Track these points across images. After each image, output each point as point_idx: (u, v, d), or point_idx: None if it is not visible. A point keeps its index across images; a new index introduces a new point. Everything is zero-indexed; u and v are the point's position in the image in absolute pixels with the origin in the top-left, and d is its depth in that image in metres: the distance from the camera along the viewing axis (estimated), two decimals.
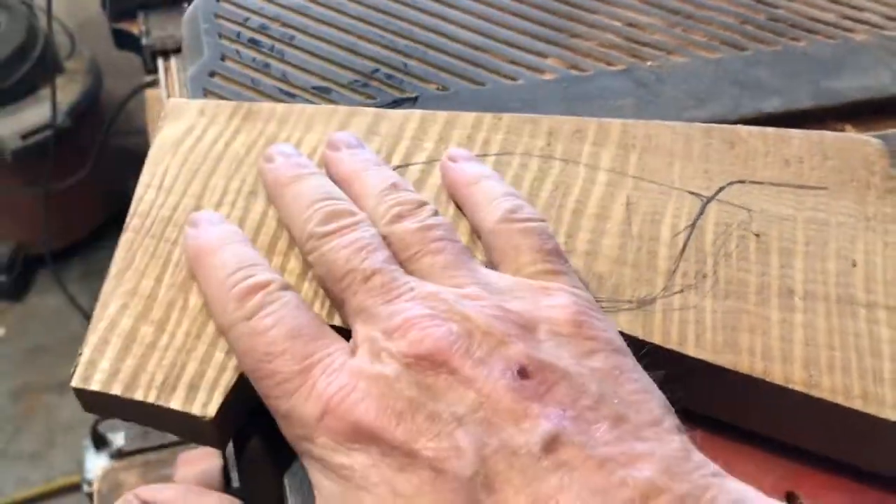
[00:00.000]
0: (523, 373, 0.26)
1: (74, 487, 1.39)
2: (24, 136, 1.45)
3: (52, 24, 1.28)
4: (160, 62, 0.91)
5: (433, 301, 0.28)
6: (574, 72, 0.47)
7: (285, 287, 0.30)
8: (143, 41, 0.91)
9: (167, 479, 0.68)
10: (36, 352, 1.62)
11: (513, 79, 0.46)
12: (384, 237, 0.31)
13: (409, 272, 0.30)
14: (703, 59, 0.48)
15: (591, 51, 0.48)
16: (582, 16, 0.50)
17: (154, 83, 1.01)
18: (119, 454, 0.91)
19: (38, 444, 1.53)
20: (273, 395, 0.28)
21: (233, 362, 0.31)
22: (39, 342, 1.63)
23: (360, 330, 0.29)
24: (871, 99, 0.45)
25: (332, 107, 0.40)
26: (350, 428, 0.26)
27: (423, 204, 0.32)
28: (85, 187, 1.56)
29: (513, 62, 0.47)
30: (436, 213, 0.32)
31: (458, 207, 0.35)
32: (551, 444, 0.25)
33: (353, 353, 0.28)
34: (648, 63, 0.47)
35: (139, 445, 0.88)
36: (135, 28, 0.95)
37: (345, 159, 0.35)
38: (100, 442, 0.98)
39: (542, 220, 0.32)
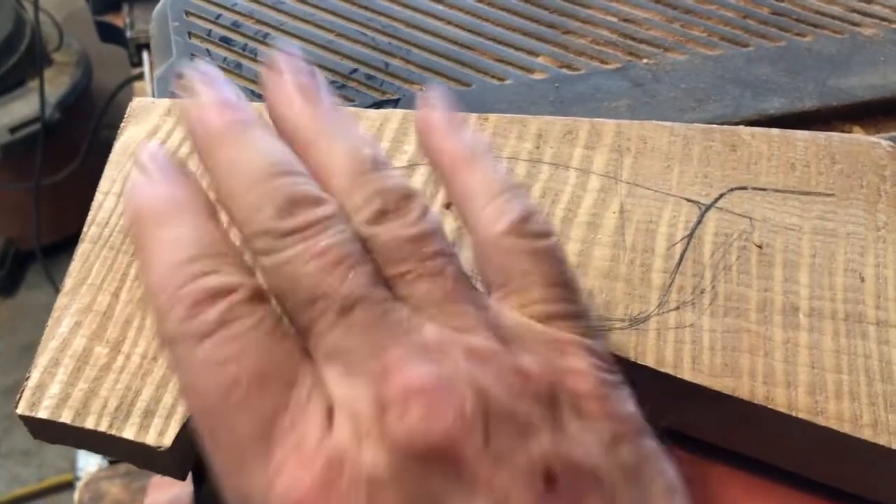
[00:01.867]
0: (550, 477, 0.20)
1: (67, 485, 1.37)
2: (13, 130, 1.42)
3: (40, 16, 1.25)
4: (145, 55, 0.88)
5: (437, 355, 0.21)
6: (566, 71, 0.44)
7: (258, 296, 0.22)
8: (128, 34, 0.89)
9: None
10: (28, 348, 1.59)
11: (501, 79, 0.44)
12: (362, 241, 0.23)
13: (396, 297, 0.23)
14: (703, 55, 0.45)
15: (585, 48, 0.46)
16: (575, 11, 0.48)
17: (142, 75, 0.98)
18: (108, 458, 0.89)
19: (30, 441, 1.51)
20: (218, 461, 0.21)
21: None
22: (31, 338, 1.60)
23: (337, 386, 0.22)
24: (880, 98, 0.43)
25: None
26: None
27: (411, 194, 0.24)
28: (76, 181, 1.54)
29: (501, 61, 0.45)
30: (427, 210, 0.24)
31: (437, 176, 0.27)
32: None
33: (329, 415, 0.21)
34: (645, 61, 0.45)
35: None
36: (119, 21, 0.92)
37: (299, 103, 0.26)
38: None
39: (555, 235, 0.25)
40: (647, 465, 0.22)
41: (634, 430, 0.23)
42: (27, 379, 0.29)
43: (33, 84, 1.41)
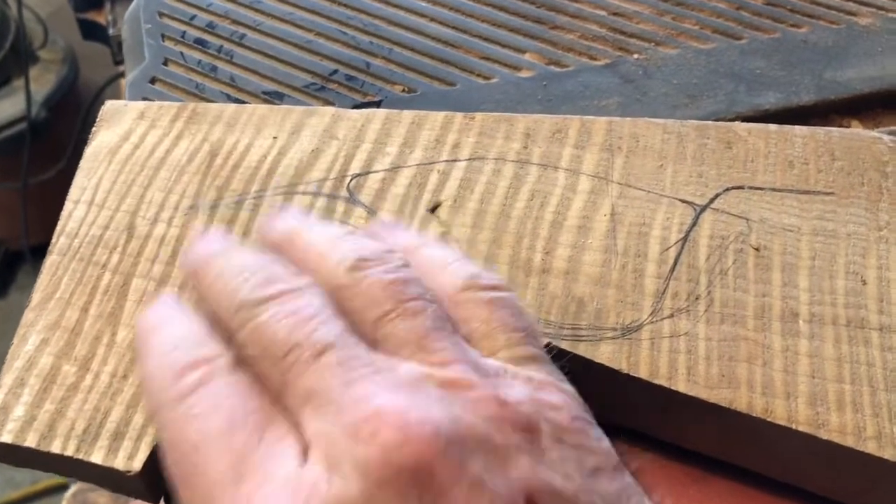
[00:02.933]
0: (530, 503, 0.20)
1: (61, 488, 1.36)
2: None
3: (23, 13, 1.23)
4: None
5: (411, 386, 0.21)
6: (554, 68, 0.43)
7: (237, 363, 0.23)
8: (110, 31, 0.87)
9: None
10: None
11: (486, 77, 0.42)
12: (341, 291, 0.24)
13: (374, 341, 0.23)
14: (695, 49, 0.44)
15: (573, 44, 0.44)
16: (563, 5, 0.46)
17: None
18: None
19: None
20: None
21: None
22: None
23: (311, 422, 0.22)
24: (878, 90, 0.42)
25: (286, 107, 0.36)
26: None
27: (390, 251, 0.25)
28: (64, 180, 1.51)
29: (487, 58, 0.43)
30: (407, 265, 0.25)
31: None
32: None
33: (304, 454, 0.21)
34: (635, 56, 0.43)
35: None
36: (101, 18, 0.91)
37: (280, 222, 0.27)
38: None
39: (510, 291, 0.26)
40: (626, 498, 0.22)
41: (613, 464, 0.23)
42: None
43: (18, 83, 1.39)
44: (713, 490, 0.29)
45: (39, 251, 1.54)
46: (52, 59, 1.51)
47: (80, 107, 1.47)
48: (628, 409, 0.29)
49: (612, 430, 0.29)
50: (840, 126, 0.40)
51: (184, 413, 0.22)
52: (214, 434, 0.22)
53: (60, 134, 1.46)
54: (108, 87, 1.20)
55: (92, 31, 0.95)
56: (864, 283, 0.30)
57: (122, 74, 1.04)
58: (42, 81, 1.46)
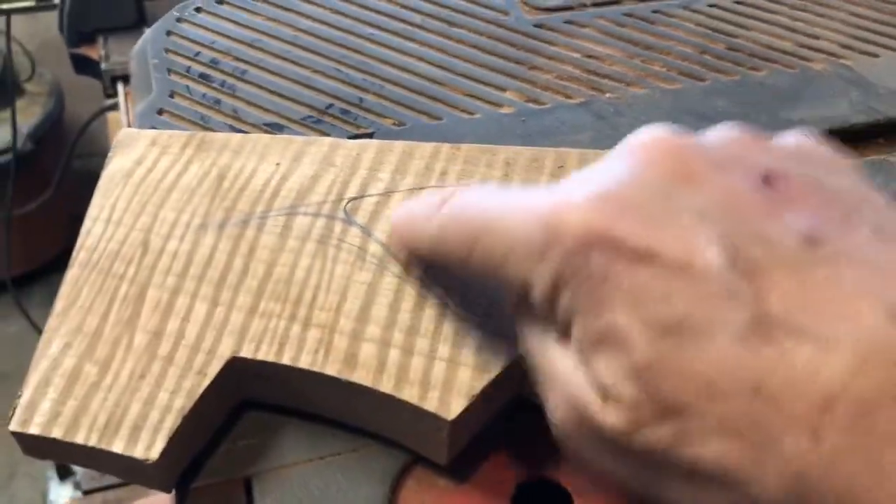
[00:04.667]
0: (768, 180, 0.23)
1: None
2: None
3: (11, 46, 1.26)
4: (120, 87, 0.90)
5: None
6: (532, 105, 0.46)
7: None
8: (103, 66, 0.90)
9: None
10: (0, 378, 1.59)
11: (470, 112, 0.46)
12: None
13: None
14: (662, 89, 0.48)
15: (550, 83, 0.48)
16: (541, 47, 0.50)
17: (115, 106, 1.00)
18: (79, 489, 0.89)
19: (0, 474, 1.50)
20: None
21: (178, 403, 0.30)
22: (1, 369, 1.59)
23: None
24: (830, 129, 0.45)
25: (287, 137, 0.39)
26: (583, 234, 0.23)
27: None
28: (47, 211, 1.54)
29: (471, 95, 0.47)
30: None
31: None
32: (811, 241, 0.22)
33: None
34: (607, 95, 0.47)
35: (98, 484, 0.86)
36: (94, 53, 0.94)
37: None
38: (64, 472, 0.96)
39: None
40: (866, 190, 0.24)
41: (856, 170, 0.25)
42: (19, 397, 0.30)
43: (5, 114, 1.41)
44: None
45: (21, 281, 1.55)
46: (39, 92, 1.54)
47: (66, 140, 1.49)
48: None
49: None
50: None
51: None
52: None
53: (45, 166, 1.48)
54: (95, 121, 1.22)
55: (84, 66, 0.98)
56: None
57: (109, 108, 1.07)
58: (28, 113, 1.49)
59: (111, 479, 0.85)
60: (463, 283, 0.32)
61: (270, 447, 0.32)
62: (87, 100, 1.36)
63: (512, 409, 0.34)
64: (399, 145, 0.39)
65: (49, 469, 1.02)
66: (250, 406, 0.33)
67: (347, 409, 0.32)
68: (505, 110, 0.46)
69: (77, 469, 0.99)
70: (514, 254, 0.25)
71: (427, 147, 0.39)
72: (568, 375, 0.24)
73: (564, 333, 0.25)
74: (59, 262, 1.69)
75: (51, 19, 1.12)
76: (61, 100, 1.58)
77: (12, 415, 0.30)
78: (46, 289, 1.68)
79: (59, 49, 1.22)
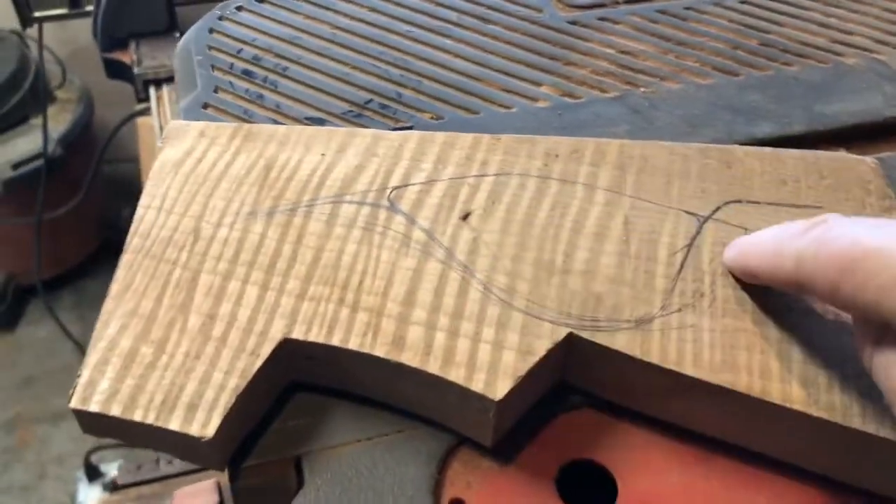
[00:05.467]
0: None
1: None
2: (16, 166, 1.45)
3: (43, 54, 1.28)
4: (152, 91, 0.91)
5: None
6: (568, 99, 0.47)
7: None
8: (135, 70, 0.92)
9: None
10: (28, 382, 1.60)
11: (507, 107, 0.46)
12: None
13: None
14: (696, 84, 0.48)
15: (585, 78, 0.48)
16: (575, 43, 0.51)
17: (145, 111, 1.01)
18: (113, 487, 0.90)
19: (29, 476, 1.51)
20: None
21: (231, 383, 0.31)
22: (31, 372, 1.61)
23: None
24: (863, 123, 0.46)
25: (331, 128, 0.40)
26: None
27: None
28: (77, 216, 1.56)
29: (507, 90, 0.47)
30: None
31: None
32: None
33: None
34: (642, 89, 0.48)
35: (133, 479, 0.87)
36: (126, 57, 0.95)
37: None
38: (93, 473, 0.97)
39: None
40: None
41: None
42: (78, 376, 0.31)
43: (36, 121, 1.43)
44: (717, 468, 0.33)
45: (51, 286, 1.57)
46: (69, 99, 1.56)
47: (96, 145, 1.51)
48: (640, 393, 0.33)
49: (627, 414, 0.33)
50: None
51: None
52: None
53: (75, 171, 1.50)
54: (124, 127, 1.24)
55: (116, 70, 1.00)
56: None
57: (139, 113, 1.09)
58: (59, 120, 1.51)
59: (147, 474, 0.86)
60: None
61: (320, 428, 0.33)
62: (116, 106, 1.38)
63: (556, 392, 0.34)
64: (440, 136, 0.39)
65: (78, 470, 1.03)
66: (300, 388, 0.34)
67: (395, 391, 0.33)
68: (541, 104, 0.47)
69: (106, 470, 1.00)
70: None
71: (468, 138, 0.39)
72: None
73: None
74: (88, 267, 1.71)
75: (81, 26, 1.14)
76: (91, 106, 1.60)
77: (72, 393, 0.31)
78: (75, 293, 1.70)
79: (88, 56, 1.24)
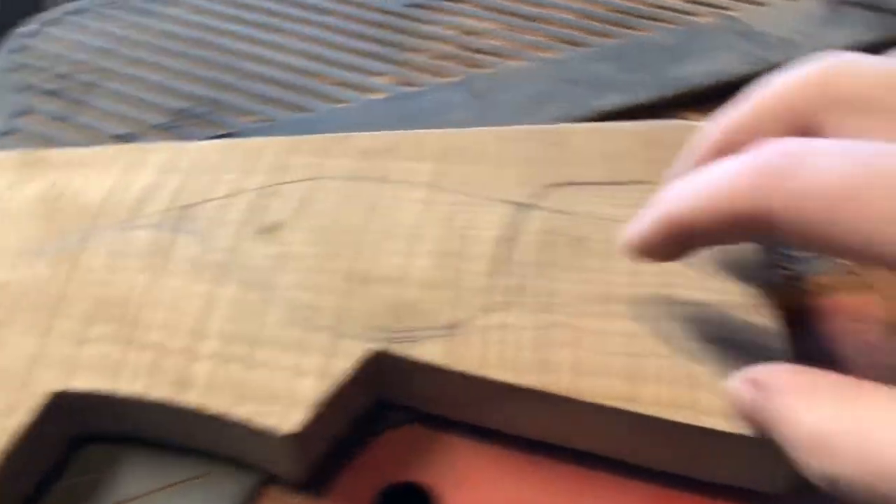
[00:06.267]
0: None
1: None
2: None
3: None
4: None
5: None
6: (407, 88, 0.44)
7: None
8: None
9: None
10: None
11: (343, 101, 0.43)
12: None
13: None
14: (542, 60, 0.45)
15: (426, 65, 0.46)
16: (415, 27, 0.48)
17: None
18: None
19: None
20: None
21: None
22: None
23: None
24: (714, 83, 0.43)
25: (132, 145, 0.37)
26: None
27: None
28: None
29: (342, 84, 0.44)
30: None
31: None
32: None
33: None
34: (485, 71, 0.45)
35: None
36: None
37: None
38: None
39: None
40: None
41: None
42: None
43: None
44: (560, 474, 0.30)
45: None
46: None
47: None
48: (462, 403, 0.30)
49: (455, 426, 0.31)
50: (677, 118, 0.42)
51: None
52: None
53: None
54: None
55: None
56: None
57: None
58: None
59: None
60: None
61: (111, 481, 0.30)
62: None
63: (377, 410, 0.31)
64: (247, 142, 0.37)
65: None
66: (91, 439, 0.31)
67: (189, 434, 0.30)
68: (378, 96, 0.44)
69: None
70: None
71: (275, 142, 0.36)
72: None
73: None
74: None
75: None
76: None
77: None
78: None
79: None
